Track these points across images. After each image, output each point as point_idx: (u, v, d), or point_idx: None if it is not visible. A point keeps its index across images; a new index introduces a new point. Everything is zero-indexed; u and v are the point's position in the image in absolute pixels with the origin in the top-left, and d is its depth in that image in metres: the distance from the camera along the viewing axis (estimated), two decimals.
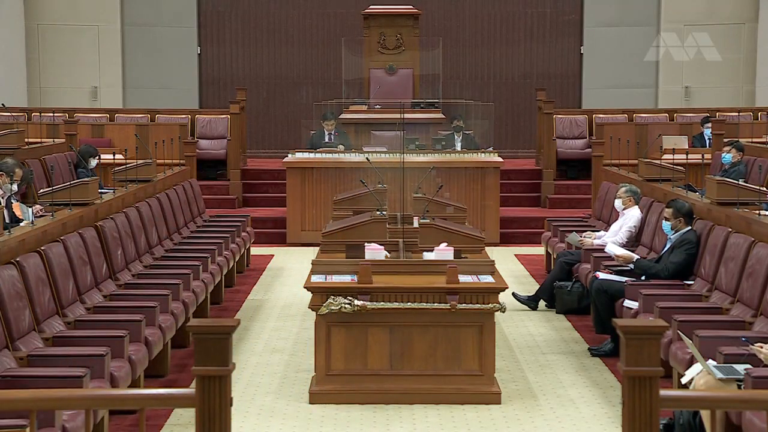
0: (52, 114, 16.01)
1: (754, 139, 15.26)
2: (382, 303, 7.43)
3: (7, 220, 8.25)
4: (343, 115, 16.67)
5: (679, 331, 7.17)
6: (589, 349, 9.02)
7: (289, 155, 14.77)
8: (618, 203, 10.69)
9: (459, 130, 15.88)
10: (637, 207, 10.60)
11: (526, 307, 10.59)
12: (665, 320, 5.58)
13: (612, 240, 10.39)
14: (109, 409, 6.52)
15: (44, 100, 19.85)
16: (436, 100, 17.32)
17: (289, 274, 12.51)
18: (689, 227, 8.89)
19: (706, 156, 13.99)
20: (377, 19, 17.64)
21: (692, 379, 6.46)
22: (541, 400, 7.68)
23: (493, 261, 8.03)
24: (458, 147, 15.63)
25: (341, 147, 15.03)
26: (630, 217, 10.55)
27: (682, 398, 4.01)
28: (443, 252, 8.03)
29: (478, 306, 7.44)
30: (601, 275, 9.27)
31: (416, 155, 14.14)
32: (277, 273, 12.72)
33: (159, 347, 7.76)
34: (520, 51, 20.87)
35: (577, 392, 7.86)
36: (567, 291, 10.40)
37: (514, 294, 10.62)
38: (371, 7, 17.84)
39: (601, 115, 17.74)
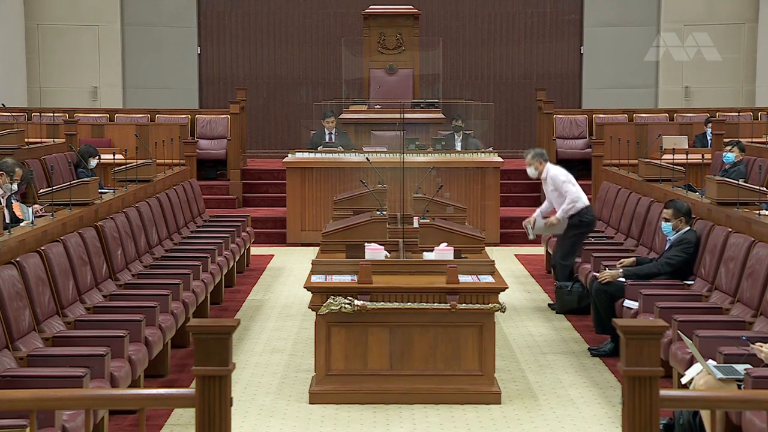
0: (52, 114, 16.01)
1: (754, 139, 15.26)
2: (382, 303, 7.43)
3: (7, 220, 8.26)
4: (343, 115, 16.67)
5: (679, 331, 7.17)
6: (589, 349, 9.02)
7: (289, 155, 14.78)
8: (531, 171, 10.62)
9: (458, 130, 15.89)
10: (548, 164, 10.58)
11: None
12: (665, 320, 5.59)
13: (562, 212, 10.38)
14: (109, 409, 6.52)
15: (44, 100, 19.85)
16: (436, 100, 17.33)
17: (289, 274, 12.51)
18: (689, 227, 8.89)
19: (706, 156, 13.99)
20: (377, 19, 17.66)
21: (692, 379, 6.47)
22: (541, 400, 7.68)
23: (493, 261, 8.04)
24: (458, 147, 15.63)
25: (340, 148, 15.05)
26: (552, 177, 10.48)
27: (682, 398, 4.01)
28: (443, 252, 8.03)
29: (478, 306, 7.44)
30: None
31: (416, 155, 14.15)
32: (277, 273, 12.72)
33: (159, 347, 7.76)
34: (520, 51, 20.87)
35: (577, 392, 7.86)
36: (567, 291, 10.39)
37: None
38: (371, 7, 17.85)
39: (601, 115, 17.75)
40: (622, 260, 9.34)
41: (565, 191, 10.39)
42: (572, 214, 10.38)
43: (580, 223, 10.44)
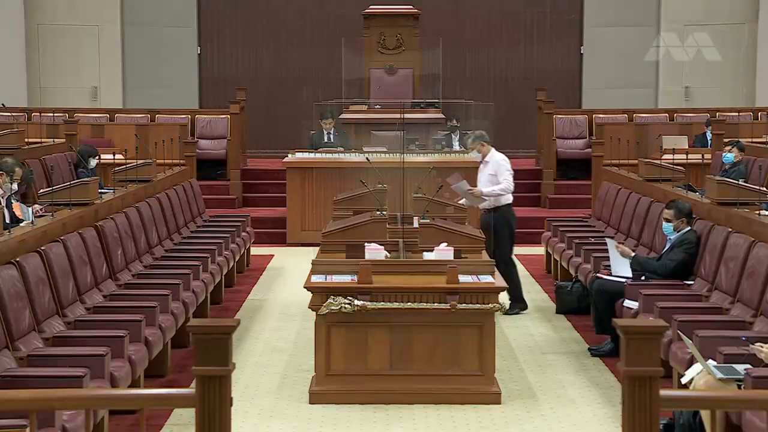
0: (52, 114, 16.00)
1: (754, 139, 15.25)
2: (382, 303, 7.43)
3: (7, 220, 8.25)
4: (343, 115, 16.67)
5: (679, 331, 7.17)
6: (589, 349, 9.02)
7: (289, 155, 14.77)
8: (475, 155, 10.66)
9: (454, 130, 15.88)
10: (493, 149, 10.58)
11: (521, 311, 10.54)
12: (665, 320, 5.58)
13: (490, 190, 10.38)
14: (109, 409, 6.52)
15: (44, 100, 19.84)
16: (436, 100, 17.32)
17: (289, 274, 12.50)
18: (689, 227, 8.89)
19: (706, 156, 13.99)
20: (377, 19, 17.66)
21: (692, 379, 6.47)
22: (541, 400, 7.68)
23: (493, 261, 8.03)
24: (455, 147, 15.62)
25: (341, 148, 15.05)
26: (498, 162, 10.47)
27: (682, 398, 4.02)
28: (443, 252, 8.03)
29: (478, 306, 7.44)
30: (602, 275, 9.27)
31: (416, 155, 14.14)
32: (277, 273, 12.72)
33: (159, 347, 7.76)
34: (520, 51, 20.87)
35: (577, 392, 7.86)
36: (567, 291, 10.39)
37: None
38: (371, 7, 17.84)
39: (601, 115, 17.74)
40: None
41: (503, 179, 10.44)
42: (498, 207, 10.42)
43: (503, 221, 10.44)
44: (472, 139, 10.72)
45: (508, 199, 10.53)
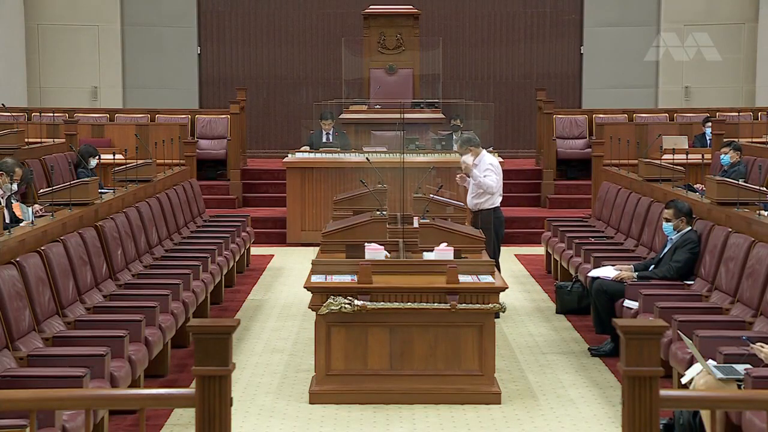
0: (52, 114, 16.00)
1: (754, 139, 15.25)
2: (382, 303, 7.43)
3: (7, 220, 8.26)
4: (343, 115, 16.67)
5: (679, 331, 7.17)
6: (589, 349, 9.02)
7: (289, 155, 14.78)
8: (467, 159, 10.51)
9: (457, 130, 15.87)
10: (485, 151, 10.53)
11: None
12: (665, 320, 5.59)
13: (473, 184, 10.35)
14: (109, 409, 6.52)
15: (44, 100, 19.85)
16: (436, 100, 17.32)
17: (289, 274, 12.51)
18: (690, 227, 8.89)
19: (706, 156, 13.99)
20: (377, 19, 17.66)
21: (692, 379, 6.47)
22: (541, 400, 7.68)
23: (493, 261, 8.03)
24: (456, 147, 15.62)
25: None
26: (482, 163, 10.40)
27: (682, 398, 4.01)
28: (443, 252, 8.03)
29: (478, 306, 7.44)
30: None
31: (416, 155, 14.15)
32: (277, 273, 12.72)
33: (159, 347, 7.76)
34: (520, 51, 20.88)
35: (577, 392, 7.86)
36: (567, 291, 10.39)
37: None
38: (371, 7, 17.84)
39: (601, 115, 17.74)
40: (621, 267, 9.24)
41: (484, 176, 10.34)
42: (479, 211, 10.34)
43: (483, 225, 10.08)
44: (460, 143, 10.67)
45: (492, 203, 10.44)
